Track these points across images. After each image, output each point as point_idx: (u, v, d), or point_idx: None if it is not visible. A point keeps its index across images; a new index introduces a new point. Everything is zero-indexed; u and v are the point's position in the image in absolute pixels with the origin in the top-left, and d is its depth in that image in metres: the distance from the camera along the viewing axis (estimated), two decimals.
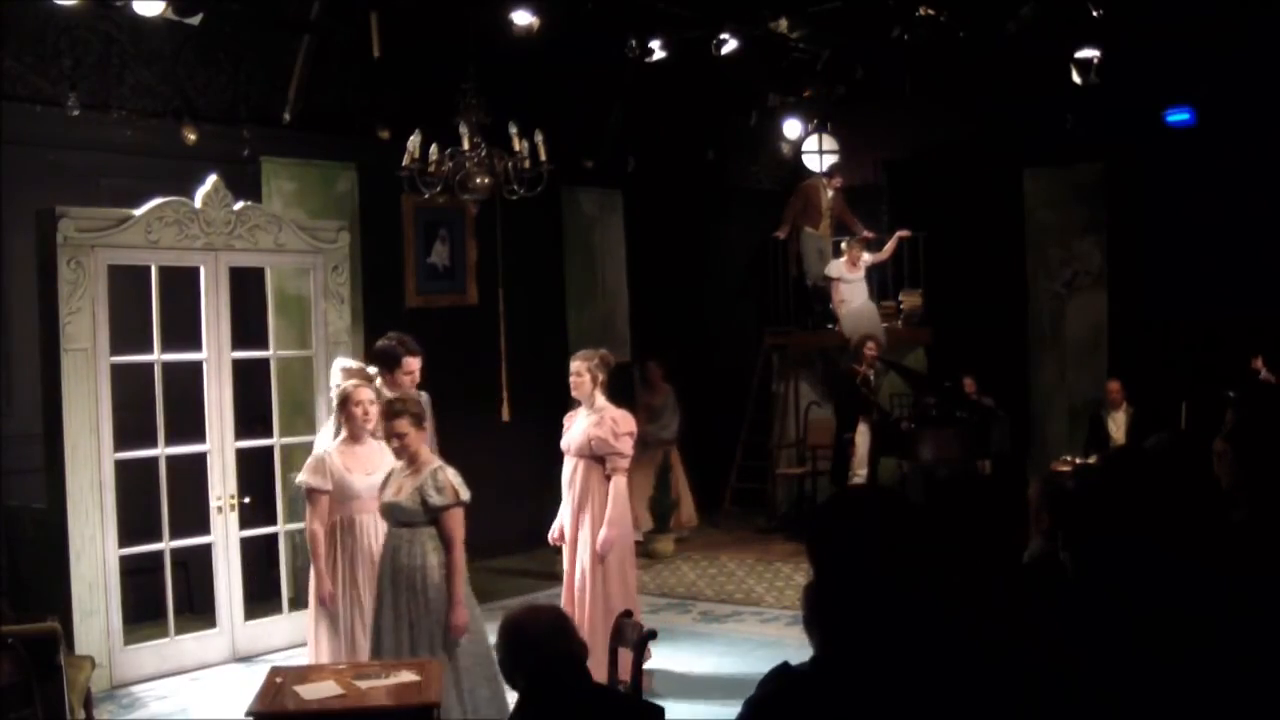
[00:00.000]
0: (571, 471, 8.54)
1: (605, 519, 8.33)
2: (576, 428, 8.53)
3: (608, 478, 8.37)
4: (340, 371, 8.36)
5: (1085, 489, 4.20)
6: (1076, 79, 12.20)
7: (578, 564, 8.45)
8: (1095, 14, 11.19)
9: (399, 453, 6.83)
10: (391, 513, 6.77)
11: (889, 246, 14.84)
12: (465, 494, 6.71)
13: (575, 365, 8.55)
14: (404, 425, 6.73)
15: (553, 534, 8.71)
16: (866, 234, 14.87)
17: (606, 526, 8.31)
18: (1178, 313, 13.08)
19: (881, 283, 15.22)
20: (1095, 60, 12.08)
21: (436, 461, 6.84)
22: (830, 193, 14.76)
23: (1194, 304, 12.89)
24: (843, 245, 14.71)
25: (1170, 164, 13.23)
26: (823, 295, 14.73)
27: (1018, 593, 4.05)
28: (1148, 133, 13.21)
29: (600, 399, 8.49)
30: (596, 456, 8.39)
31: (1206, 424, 10.03)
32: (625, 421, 8.43)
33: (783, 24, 12.11)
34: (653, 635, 5.71)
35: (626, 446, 8.40)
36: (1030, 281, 14.79)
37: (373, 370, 8.29)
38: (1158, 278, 13.42)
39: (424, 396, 7.87)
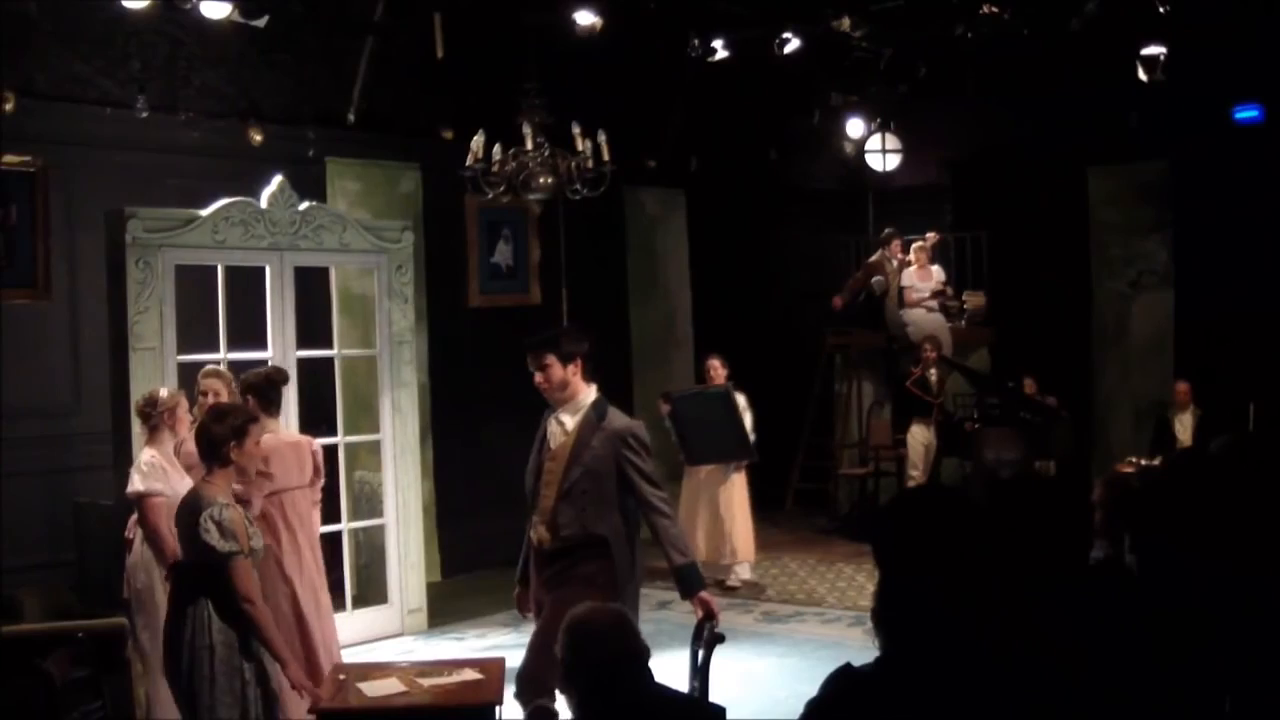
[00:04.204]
0: None
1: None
2: None
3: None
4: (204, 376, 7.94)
5: (1151, 491, 4.17)
6: (1142, 76, 12.07)
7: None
8: (1161, 10, 11.08)
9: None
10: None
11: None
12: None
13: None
14: None
15: None
16: (930, 235, 14.76)
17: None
18: (1245, 312, 12.89)
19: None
20: (1161, 57, 11.95)
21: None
22: (895, 262, 14.59)
23: (1261, 303, 12.70)
24: (910, 255, 14.53)
25: (1237, 161, 13.06)
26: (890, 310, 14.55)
27: (1082, 595, 4.03)
28: (1214, 130, 13.05)
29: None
30: None
31: (1276, 425, 9.92)
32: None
33: (845, 22, 12.06)
34: (721, 639, 5.66)
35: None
36: (1094, 281, 14.62)
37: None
38: (1224, 276, 13.22)
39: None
